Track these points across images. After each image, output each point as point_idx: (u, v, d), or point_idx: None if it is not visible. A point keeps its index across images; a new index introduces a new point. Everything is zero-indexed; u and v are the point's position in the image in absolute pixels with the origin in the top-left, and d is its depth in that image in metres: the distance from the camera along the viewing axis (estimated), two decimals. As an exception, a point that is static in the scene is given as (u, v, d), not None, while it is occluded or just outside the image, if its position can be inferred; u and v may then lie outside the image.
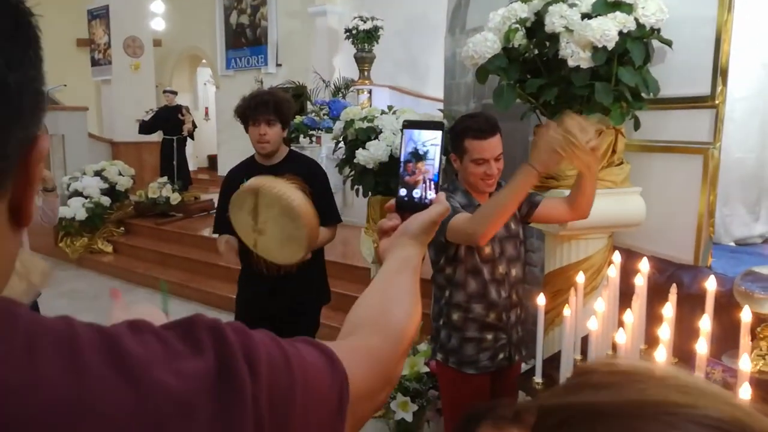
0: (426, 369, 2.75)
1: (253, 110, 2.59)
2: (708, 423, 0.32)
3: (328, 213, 2.67)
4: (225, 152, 10.68)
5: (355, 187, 3.46)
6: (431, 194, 0.88)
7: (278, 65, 10.20)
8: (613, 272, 1.82)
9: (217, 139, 11.60)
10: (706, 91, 2.19)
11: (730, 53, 2.14)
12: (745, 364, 1.31)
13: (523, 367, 2.34)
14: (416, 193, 0.88)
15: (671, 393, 0.34)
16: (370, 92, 7.79)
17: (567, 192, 2.28)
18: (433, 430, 2.88)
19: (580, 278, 1.83)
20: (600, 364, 0.39)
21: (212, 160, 12.72)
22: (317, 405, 0.54)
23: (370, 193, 3.40)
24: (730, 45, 2.13)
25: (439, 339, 2.20)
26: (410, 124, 0.90)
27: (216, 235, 2.78)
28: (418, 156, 0.89)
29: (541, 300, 1.81)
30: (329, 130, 4.30)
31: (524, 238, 2.21)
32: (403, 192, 0.89)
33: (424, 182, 0.88)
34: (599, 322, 1.65)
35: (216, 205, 2.91)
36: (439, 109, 4.11)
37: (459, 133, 2.04)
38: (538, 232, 2.95)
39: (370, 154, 3.13)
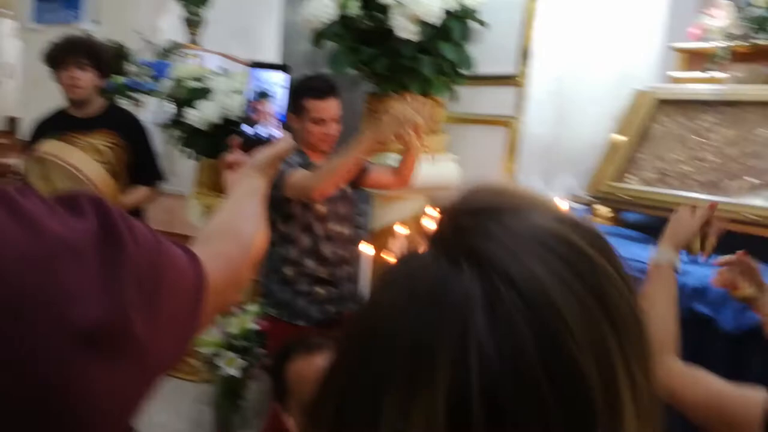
0: (254, 326, 2.80)
1: (64, 50, 2.42)
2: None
3: (148, 170, 2.60)
4: (31, 114, 9.57)
5: (186, 149, 3.36)
6: (276, 132, 0.94)
7: (95, 22, 9.35)
8: (428, 223, 2.03)
9: (22, 99, 10.35)
10: (512, 70, 2.49)
11: (534, 37, 2.45)
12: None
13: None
14: (261, 129, 0.93)
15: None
16: (199, 58, 7.47)
17: (392, 156, 2.48)
18: (258, 387, 2.94)
19: (399, 229, 2.02)
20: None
21: (14, 122, 11.34)
22: (180, 288, 0.59)
23: (200, 157, 3.32)
24: (534, 30, 2.44)
25: (271, 294, 2.26)
26: (257, 65, 0.95)
27: None
28: (264, 95, 0.94)
29: (368, 250, 1.97)
30: (154, 93, 4.09)
31: (355, 200, 2.35)
32: (248, 129, 0.94)
33: (270, 120, 0.93)
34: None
35: None
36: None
37: (299, 93, 2.09)
38: (366, 196, 3.14)
39: (202, 114, 3.07)
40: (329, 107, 2.10)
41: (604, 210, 2.70)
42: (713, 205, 1.16)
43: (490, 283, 0.33)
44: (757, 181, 2.15)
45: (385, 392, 0.34)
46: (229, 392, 2.78)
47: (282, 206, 2.16)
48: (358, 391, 0.36)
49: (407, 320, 0.35)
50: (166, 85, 3.41)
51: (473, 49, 2.45)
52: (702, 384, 0.98)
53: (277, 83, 0.95)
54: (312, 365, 1.42)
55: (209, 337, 2.82)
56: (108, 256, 0.48)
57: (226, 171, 0.94)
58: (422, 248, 0.38)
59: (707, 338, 1.87)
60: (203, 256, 0.66)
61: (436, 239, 0.38)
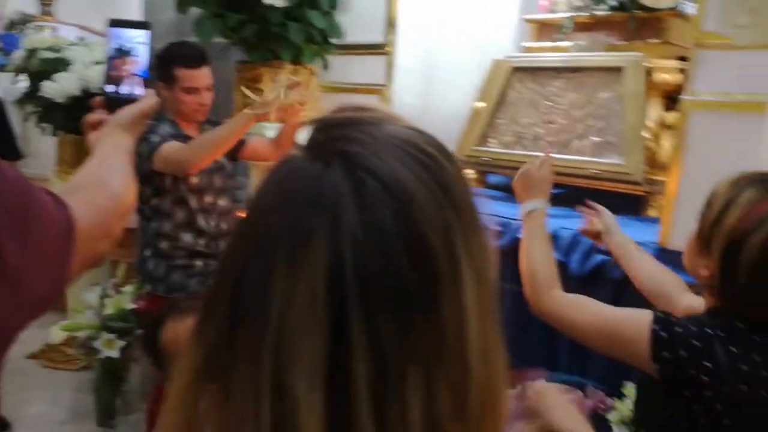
0: (131, 306, 2.72)
1: None
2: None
3: (4, 147, 2.44)
4: None
5: (43, 125, 3.15)
6: (139, 90, 0.92)
7: (-75, -11, 8.33)
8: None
9: None
10: (380, 39, 2.58)
11: (399, 7, 2.54)
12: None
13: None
14: (124, 88, 0.91)
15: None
16: (54, 30, 6.92)
17: (271, 126, 2.49)
18: (140, 369, 2.86)
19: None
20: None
21: None
22: (49, 223, 0.59)
23: (59, 132, 3.13)
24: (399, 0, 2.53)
25: (146, 270, 2.19)
26: (116, 23, 0.94)
27: None
28: (124, 52, 0.93)
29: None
30: (5, 67, 3.76)
31: (232, 172, 2.33)
32: (110, 88, 0.91)
33: (132, 78, 0.92)
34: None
35: None
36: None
37: (168, 61, 2.03)
38: (244, 167, 3.12)
39: (60, 86, 2.89)
40: (201, 76, 2.05)
41: (469, 172, 2.88)
42: (549, 152, 1.29)
43: (357, 177, 0.39)
44: (599, 140, 2.41)
45: (271, 280, 0.38)
46: (110, 376, 2.69)
47: (153, 180, 2.10)
48: (249, 281, 0.40)
49: (287, 213, 0.39)
50: (18, 56, 3.15)
51: (342, 18, 2.50)
52: (590, 309, 1.04)
53: (139, 41, 0.94)
54: (187, 326, 1.43)
55: (84, 320, 2.70)
56: None
57: (90, 131, 0.91)
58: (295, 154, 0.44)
59: (561, 280, 2.09)
60: (70, 202, 0.66)
61: (308, 146, 0.43)
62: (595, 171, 2.37)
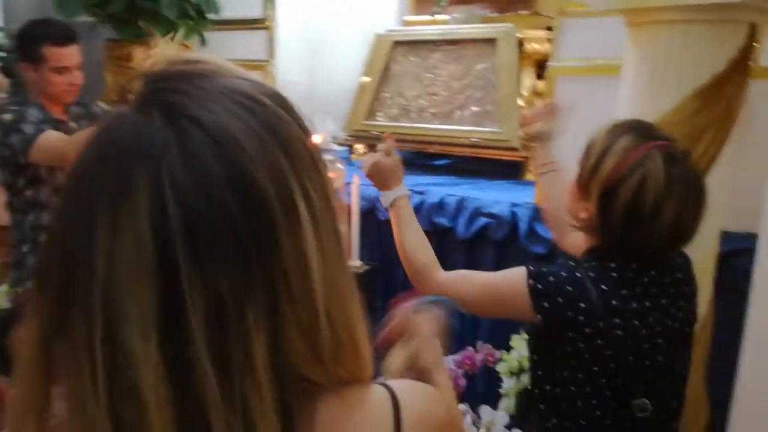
0: (7, 305, 2.53)
1: None
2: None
3: None
4: None
5: None
6: None
7: None
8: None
9: None
10: (259, 13, 2.52)
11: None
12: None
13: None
14: None
15: None
16: None
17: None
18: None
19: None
20: None
21: None
22: None
23: None
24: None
25: (26, 266, 2.03)
26: None
27: None
28: None
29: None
30: None
31: None
32: None
33: None
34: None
35: None
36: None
37: (33, 40, 1.88)
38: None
39: None
40: (71, 54, 1.92)
41: (360, 147, 2.91)
42: (389, 136, 1.30)
43: (180, 126, 0.38)
44: (478, 109, 2.50)
45: (94, 235, 0.37)
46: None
47: (26, 170, 1.94)
48: (74, 240, 0.39)
49: (108, 165, 0.39)
50: None
51: (217, -8, 2.42)
52: (473, 281, 1.09)
53: None
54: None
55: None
56: None
57: None
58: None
59: (448, 245, 2.17)
60: None
61: (134, 100, 0.42)
62: (475, 140, 2.47)
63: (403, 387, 0.50)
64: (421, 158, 2.71)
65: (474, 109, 2.50)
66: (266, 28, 2.55)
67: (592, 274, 0.99)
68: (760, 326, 1.18)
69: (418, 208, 2.13)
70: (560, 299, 0.97)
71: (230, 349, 0.38)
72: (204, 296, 0.37)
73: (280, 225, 0.40)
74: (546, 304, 0.98)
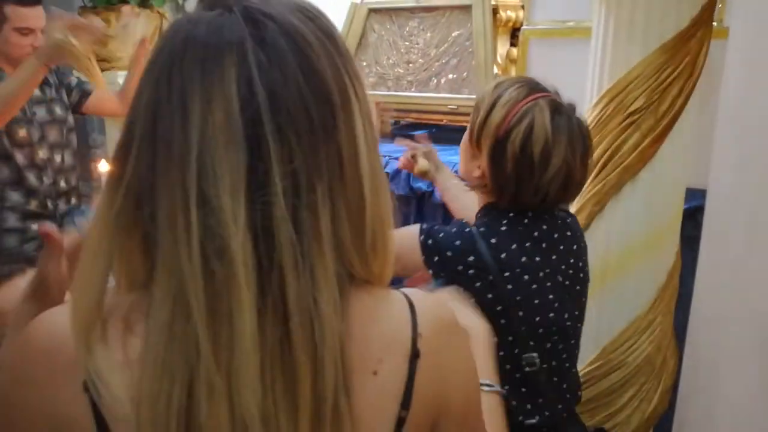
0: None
1: None
2: None
3: None
4: None
5: None
6: None
7: None
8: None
9: None
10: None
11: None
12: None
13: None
14: None
15: None
16: None
17: (121, 74, 2.35)
18: None
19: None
20: None
21: None
22: None
23: None
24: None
25: None
26: None
27: None
28: None
29: (103, 166, 1.89)
30: None
31: (73, 126, 2.14)
32: None
33: None
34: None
35: None
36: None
37: None
38: (100, 125, 2.93)
39: None
40: (36, 15, 1.88)
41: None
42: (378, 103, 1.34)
43: (256, 20, 0.45)
44: (454, 76, 2.53)
45: (187, 111, 0.43)
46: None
47: None
48: (164, 117, 0.44)
49: (195, 52, 0.44)
50: None
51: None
52: None
53: None
54: (12, 293, 1.35)
55: None
56: None
57: None
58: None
59: (427, 209, 2.20)
60: None
61: (204, 2, 0.48)
62: (452, 107, 2.49)
63: (416, 293, 0.56)
64: (400, 127, 2.73)
65: (450, 76, 2.52)
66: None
67: (482, 229, 1.02)
68: (708, 273, 1.24)
69: (396, 174, 2.16)
70: (449, 253, 0.99)
71: (303, 216, 0.44)
72: (284, 167, 0.43)
73: (338, 111, 0.46)
74: (436, 258, 1.00)
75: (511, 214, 1.04)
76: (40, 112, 1.99)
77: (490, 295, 0.98)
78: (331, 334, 0.45)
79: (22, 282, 1.39)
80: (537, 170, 0.98)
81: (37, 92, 1.98)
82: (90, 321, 0.45)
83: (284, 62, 0.44)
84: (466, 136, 1.08)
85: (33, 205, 1.99)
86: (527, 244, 1.02)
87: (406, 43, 2.60)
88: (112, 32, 2.32)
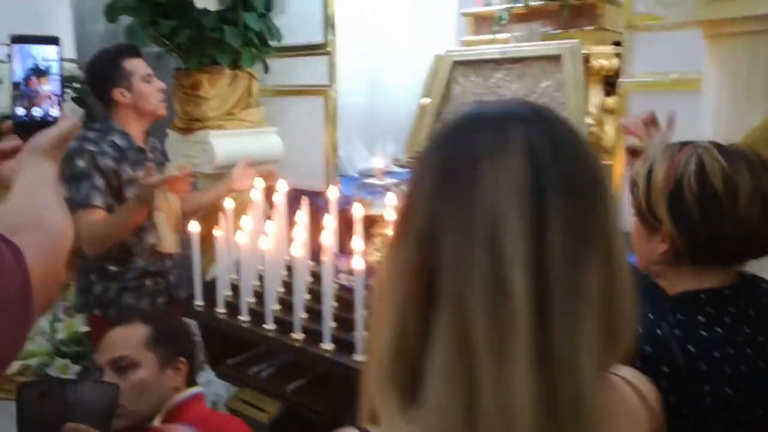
0: (84, 329, 2.62)
1: None
2: None
3: None
4: None
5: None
6: (56, 110, 0.85)
7: None
8: (256, 195, 2.03)
9: None
10: (320, 39, 2.55)
11: (335, 6, 2.52)
12: (358, 244, 1.65)
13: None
14: (37, 111, 0.85)
15: None
16: (-20, 50, 6.62)
17: (212, 132, 2.43)
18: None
19: (228, 203, 2.00)
20: None
21: None
22: (8, 283, 0.56)
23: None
24: (336, -1, 2.51)
25: (93, 294, 2.06)
26: (21, 39, 0.84)
27: None
28: (39, 72, 0.85)
29: (194, 227, 1.92)
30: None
31: None
32: (21, 111, 0.84)
33: (48, 99, 0.85)
34: (247, 236, 1.85)
35: None
36: (72, 60, 3.79)
37: (112, 59, 1.96)
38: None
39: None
40: (145, 63, 2.01)
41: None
42: None
43: (533, 105, 0.52)
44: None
45: (478, 178, 0.47)
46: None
47: None
48: (452, 182, 0.49)
49: (485, 126, 0.51)
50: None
51: (279, 19, 2.46)
52: None
53: (50, 58, 0.87)
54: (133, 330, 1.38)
55: (36, 347, 2.59)
56: None
57: (2, 161, 0.84)
58: None
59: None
60: (21, 246, 0.61)
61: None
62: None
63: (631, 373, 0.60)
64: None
65: (538, 127, 2.43)
66: (327, 53, 2.57)
67: (677, 332, 0.88)
68: None
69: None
70: (637, 363, 0.88)
71: (579, 269, 0.47)
72: (561, 220, 0.47)
73: (606, 197, 0.51)
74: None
75: (709, 309, 0.91)
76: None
77: (684, 411, 0.86)
78: (591, 401, 0.46)
79: (136, 329, 1.40)
80: (725, 201, 0.87)
81: (150, 156, 2.08)
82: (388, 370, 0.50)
83: (561, 130, 0.50)
84: (634, 221, 0.99)
85: (149, 263, 2.07)
86: (729, 350, 0.88)
87: (492, 95, 2.55)
88: (203, 93, 2.40)
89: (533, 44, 2.55)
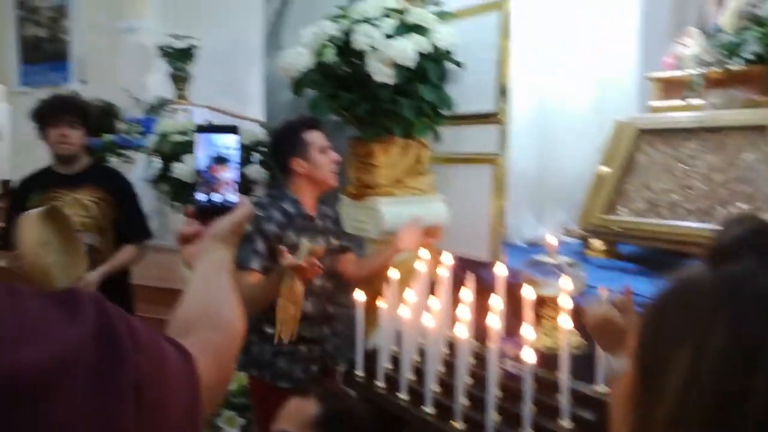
0: (244, 383, 2.73)
1: (55, 108, 2.43)
2: None
3: (135, 228, 2.58)
4: (21, 177, 9.58)
5: (174, 203, 3.35)
6: (234, 197, 0.89)
7: (82, 82, 9.47)
8: (422, 266, 2.00)
9: (11, 163, 10.38)
10: (492, 108, 2.50)
11: (509, 75, 2.47)
12: (528, 332, 1.53)
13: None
14: (217, 197, 0.89)
15: None
16: (187, 112, 7.56)
17: (382, 199, 2.46)
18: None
19: (393, 273, 1.98)
20: None
21: (6, 185, 11.33)
22: (178, 392, 0.56)
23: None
24: (509, 67, 2.46)
25: (251, 354, 2.14)
26: (204, 129, 0.90)
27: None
28: (219, 160, 0.89)
29: (359, 296, 1.93)
30: (143, 149, 4.09)
31: (336, 251, 2.23)
32: (203, 197, 0.89)
33: (226, 185, 0.89)
34: (410, 310, 1.80)
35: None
36: (262, 124, 4.15)
37: (295, 131, 2.08)
38: (359, 241, 3.10)
39: (188, 167, 3.06)
40: (322, 136, 2.11)
41: (597, 243, 2.68)
42: (629, 292, 1.08)
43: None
44: (747, 207, 2.14)
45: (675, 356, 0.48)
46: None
47: None
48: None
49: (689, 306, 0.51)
50: (152, 140, 3.41)
51: (451, 89, 2.46)
52: None
53: (230, 146, 0.91)
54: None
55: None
56: (105, 368, 0.45)
57: (184, 245, 0.89)
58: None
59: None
60: (193, 350, 0.62)
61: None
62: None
63: None
64: (670, 258, 2.39)
65: (741, 205, 2.14)
66: (498, 121, 2.52)
67: None
68: None
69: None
70: None
71: None
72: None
73: None
74: None
75: None
76: (320, 242, 2.09)
77: None
78: None
79: (309, 405, 1.41)
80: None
81: (320, 223, 2.14)
82: None
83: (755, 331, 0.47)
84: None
85: (305, 330, 2.05)
86: None
87: (684, 167, 2.31)
88: (375, 161, 2.45)
89: (732, 112, 2.28)
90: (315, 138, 2.07)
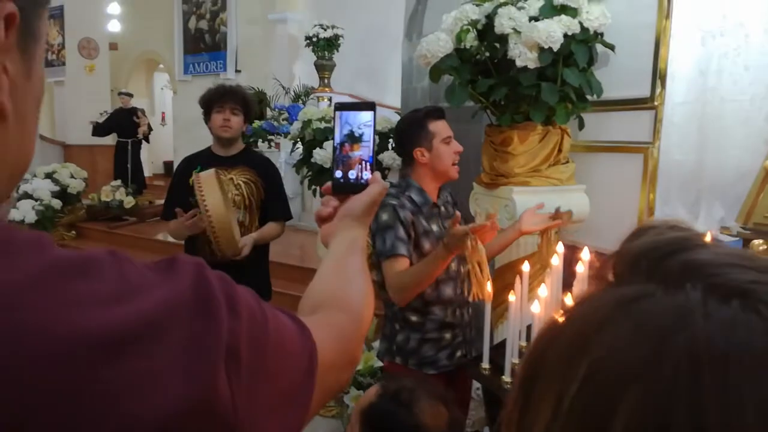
0: (380, 364, 2.78)
1: (221, 96, 2.66)
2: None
3: (278, 208, 2.77)
4: (182, 158, 10.53)
5: (313, 187, 3.49)
6: (367, 174, 0.89)
7: (237, 71, 10.17)
8: (556, 261, 1.90)
9: (174, 144, 11.45)
10: (646, 93, 2.32)
11: (668, 58, 2.26)
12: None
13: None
14: (352, 174, 0.89)
15: None
16: (330, 99, 7.85)
17: (516, 188, 2.37)
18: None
19: (525, 267, 1.91)
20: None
21: (168, 166, 12.53)
22: (288, 364, 0.56)
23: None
24: (669, 50, 2.26)
25: (397, 343, 2.17)
26: (342, 107, 0.90)
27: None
28: (353, 138, 0.89)
29: (488, 289, 1.88)
30: (288, 135, 4.32)
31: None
32: (339, 174, 0.89)
33: (361, 163, 0.89)
34: (542, 306, 1.72)
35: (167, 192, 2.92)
36: (397, 110, 4.19)
37: (420, 121, 2.07)
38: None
39: (327, 153, 3.17)
40: (447, 126, 2.09)
41: (759, 244, 2.39)
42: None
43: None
44: None
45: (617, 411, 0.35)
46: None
47: None
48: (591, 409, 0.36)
49: (744, 352, 0.35)
50: (295, 126, 3.58)
51: (600, 73, 2.31)
52: None
53: (366, 123, 0.91)
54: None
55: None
56: (197, 329, 0.45)
57: (322, 224, 0.91)
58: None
59: None
60: (314, 327, 0.61)
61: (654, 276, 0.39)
62: None
63: None
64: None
65: None
66: (653, 107, 2.32)
67: None
68: None
69: None
70: None
71: None
72: None
73: None
74: None
75: None
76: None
77: None
78: None
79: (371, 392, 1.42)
80: None
81: (443, 210, 2.15)
82: None
83: (751, 349, 0.34)
84: None
85: (449, 315, 2.12)
86: None
87: None
88: (512, 149, 2.37)
89: None
90: (440, 128, 2.05)
